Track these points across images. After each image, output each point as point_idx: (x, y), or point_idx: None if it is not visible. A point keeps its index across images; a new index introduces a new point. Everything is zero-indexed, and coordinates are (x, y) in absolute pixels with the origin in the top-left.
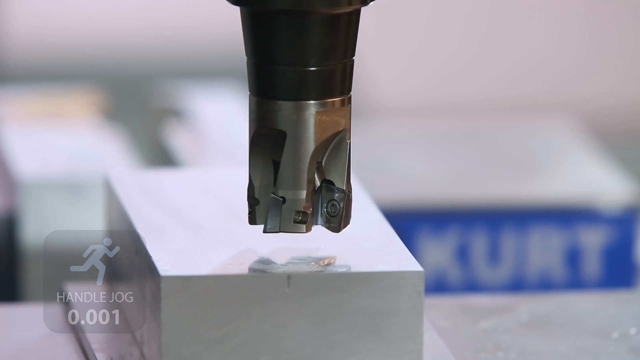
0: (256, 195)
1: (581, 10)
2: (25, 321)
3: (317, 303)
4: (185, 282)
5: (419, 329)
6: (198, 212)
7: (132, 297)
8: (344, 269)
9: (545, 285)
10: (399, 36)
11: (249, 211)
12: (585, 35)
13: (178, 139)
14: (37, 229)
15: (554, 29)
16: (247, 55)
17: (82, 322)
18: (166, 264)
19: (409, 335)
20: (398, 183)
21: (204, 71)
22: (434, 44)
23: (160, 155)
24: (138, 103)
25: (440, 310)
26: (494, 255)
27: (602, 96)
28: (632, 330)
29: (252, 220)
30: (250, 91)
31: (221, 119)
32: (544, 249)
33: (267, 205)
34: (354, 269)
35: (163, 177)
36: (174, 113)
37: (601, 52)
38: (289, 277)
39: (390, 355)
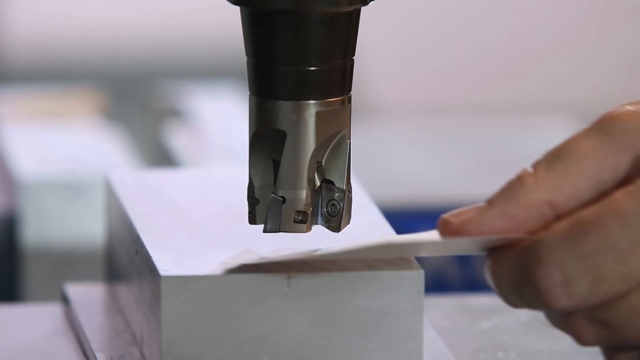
0: (256, 195)
1: (582, 10)
2: (25, 321)
3: (317, 303)
4: (185, 282)
5: (419, 329)
6: (198, 212)
7: (132, 297)
8: (344, 269)
9: None
10: (399, 36)
11: (249, 211)
12: (586, 34)
13: (178, 139)
14: (37, 229)
15: (555, 28)
16: (247, 55)
17: (82, 322)
18: (166, 264)
19: (409, 335)
20: (398, 183)
21: (204, 71)
22: (434, 44)
23: (160, 155)
24: (138, 103)
25: (440, 310)
26: None
27: (602, 96)
28: None
29: (252, 220)
30: (250, 91)
31: (221, 119)
32: None
33: (267, 205)
34: (354, 269)
35: (163, 177)
36: (174, 113)
37: (601, 52)
38: (289, 277)
39: (390, 355)
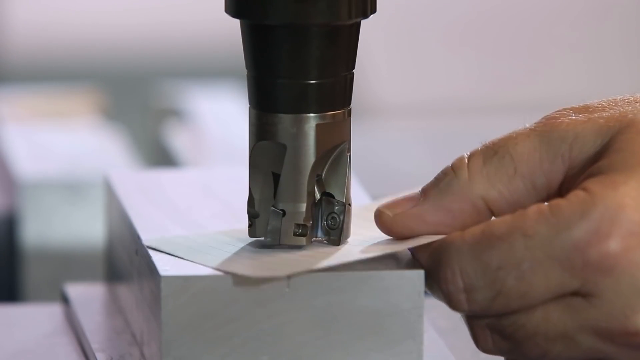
0: (256, 208)
1: (580, 10)
2: (25, 321)
3: (317, 303)
4: (185, 282)
5: (419, 329)
6: (198, 212)
7: (132, 297)
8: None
9: None
10: (398, 36)
11: (249, 224)
12: (585, 35)
13: (178, 139)
14: (37, 229)
15: (555, 28)
16: (247, 68)
17: (82, 322)
18: (166, 264)
19: (409, 335)
20: (398, 183)
21: (204, 71)
22: (434, 44)
23: (160, 155)
24: (138, 103)
25: (440, 310)
26: None
27: (602, 97)
28: None
29: (252, 233)
30: (250, 104)
31: (221, 119)
32: None
33: (267, 218)
34: (353, 269)
35: (163, 177)
36: (174, 113)
37: (601, 52)
38: (289, 277)
39: (390, 355)
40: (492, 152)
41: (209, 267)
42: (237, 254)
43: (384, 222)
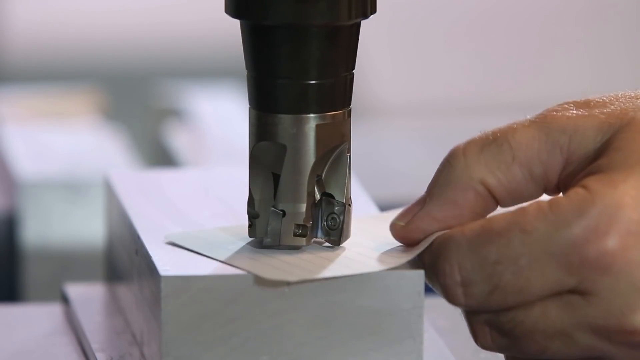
0: (256, 209)
1: (581, 9)
2: (25, 321)
3: (317, 303)
4: (185, 282)
5: (419, 329)
6: (198, 212)
7: (132, 297)
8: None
9: None
10: (398, 36)
11: (249, 224)
12: (586, 34)
13: (178, 139)
14: (37, 229)
15: (555, 28)
16: (246, 68)
17: (82, 322)
18: (166, 264)
19: (409, 335)
20: (398, 183)
21: (204, 71)
22: (434, 44)
23: (160, 155)
24: (138, 103)
25: (440, 310)
26: None
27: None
28: None
29: (252, 233)
30: (250, 104)
31: (221, 119)
32: None
33: (267, 219)
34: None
35: (163, 177)
36: (174, 113)
37: (603, 52)
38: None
39: (390, 355)
40: (491, 140)
41: (229, 264)
42: (257, 252)
43: (398, 233)
